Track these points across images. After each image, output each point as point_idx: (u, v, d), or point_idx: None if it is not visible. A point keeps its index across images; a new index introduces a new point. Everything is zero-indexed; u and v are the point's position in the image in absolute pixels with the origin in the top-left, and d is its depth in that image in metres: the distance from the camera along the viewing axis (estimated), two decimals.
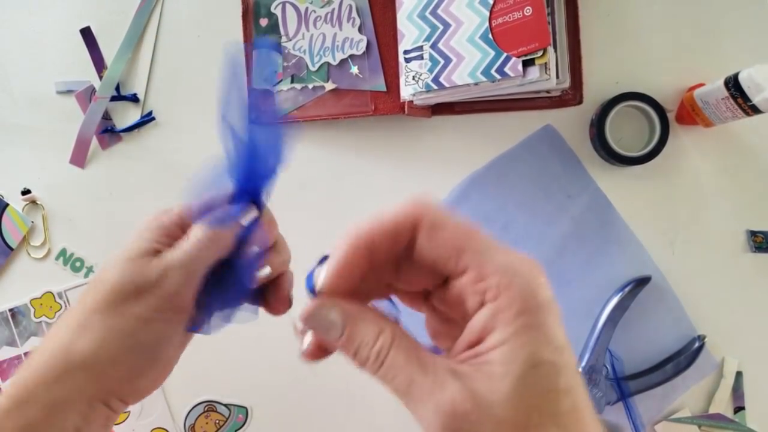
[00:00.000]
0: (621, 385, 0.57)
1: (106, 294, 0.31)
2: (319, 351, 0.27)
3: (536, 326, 0.22)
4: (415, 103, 0.58)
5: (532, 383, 0.22)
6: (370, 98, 0.61)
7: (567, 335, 0.23)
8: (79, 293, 0.36)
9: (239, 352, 0.62)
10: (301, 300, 0.27)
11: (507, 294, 0.22)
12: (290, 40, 0.62)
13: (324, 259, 0.25)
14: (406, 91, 0.57)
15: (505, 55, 0.51)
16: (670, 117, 0.58)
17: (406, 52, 0.57)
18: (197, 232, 0.34)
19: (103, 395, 0.32)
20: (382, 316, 0.25)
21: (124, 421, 0.62)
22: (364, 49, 0.61)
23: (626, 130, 0.59)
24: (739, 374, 0.58)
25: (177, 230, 0.36)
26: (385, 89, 0.60)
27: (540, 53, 0.50)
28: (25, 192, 0.64)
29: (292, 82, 0.62)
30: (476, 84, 0.53)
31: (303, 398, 0.61)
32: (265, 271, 0.36)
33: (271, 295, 0.37)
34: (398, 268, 0.26)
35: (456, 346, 0.24)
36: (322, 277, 0.25)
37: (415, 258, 0.25)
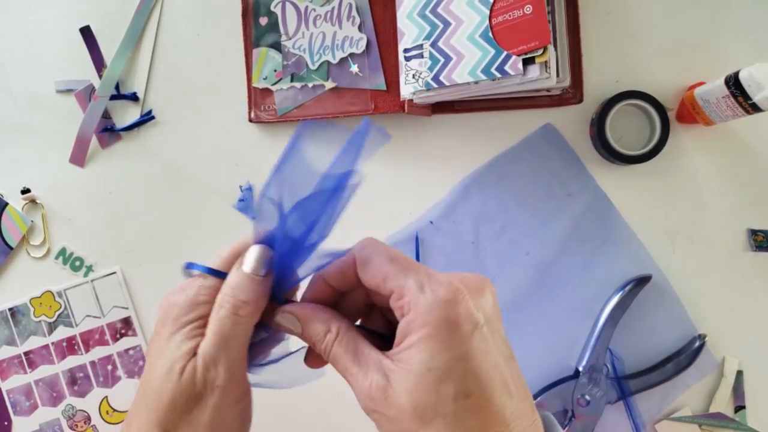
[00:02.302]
0: (621, 384, 0.57)
1: (164, 412, 0.30)
2: (315, 358, 0.34)
3: (434, 337, 0.27)
4: (415, 101, 0.58)
5: (427, 382, 0.27)
6: (370, 97, 0.60)
7: (508, 340, 0.30)
8: (134, 397, 0.33)
9: None
10: None
11: (415, 309, 0.28)
12: (290, 38, 0.62)
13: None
14: (406, 90, 0.56)
15: (505, 53, 0.51)
16: (670, 116, 0.58)
17: (406, 50, 0.57)
18: (227, 307, 0.32)
19: None
20: (334, 317, 0.32)
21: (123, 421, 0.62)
22: (364, 47, 0.61)
23: (627, 129, 0.59)
24: (739, 373, 0.58)
25: (209, 305, 0.33)
26: (385, 88, 0.60)
27: (540, 52, 0.50)
28: (25, 191, 0.64)
29: (291, 80, 0.62)
30: (476, 82, 0.53)
31: (303, 398, 0.61)
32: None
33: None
34: (367, 292, 0.33)
35: (393, 345, 0.30)
36: (300, 297, 0.33)
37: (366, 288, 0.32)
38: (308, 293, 0.34)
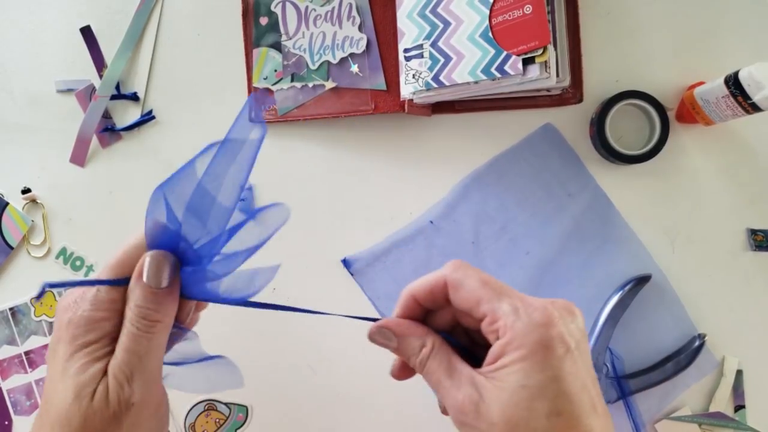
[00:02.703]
0: (621, 383, 0.57)
1: None
2: (403, 371, 0.35)
3: (528, 358, 0.28)
4: (415, 101, 0.58)
5: (520, 398, 0.28)
6: (371, 97, 0.61)
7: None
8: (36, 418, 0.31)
9: (239, 352, 0.62)
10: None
11: (510, 332, 0.29)
12: (290, 38, 0.62)
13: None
14: (407, 90, 0.57)
15: (505, 53, 0.51)
16: (670, 115, 0.58)
17: (406, 50, 0.57)
18: (138, 320, 0.31)
19: None
20: (429, 332, 0.33)
21: None
22: (364, 47, 0.61)
23: (626, 129, 0.59)
24: (739, 373, 0.58)
25: (110, 321, 0.31)
26: (385, 88, 0.60)
27: (540, 51, 0.50)
28: (25, 191, 0.64)
29: (292, 80, 0.62)
30: (476, 82, 0.53)
31: (303, 398, 0.61)
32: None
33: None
34: (454, 312, 0.34)
35: (484, 364, 0.31)
36: (393, 313, 0.35)
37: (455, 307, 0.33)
38: (400, 310, 0.35)
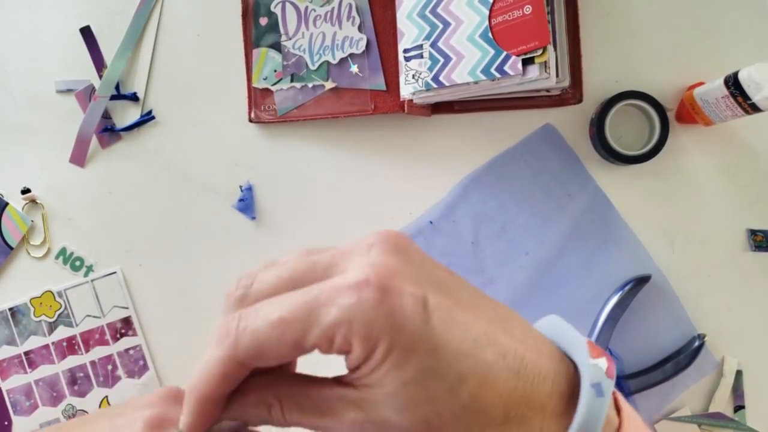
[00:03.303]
0: (621, 383, 0.57)
1: None
2: None
3: (389, 348, 0.22)
4: (414, 101, 0.58)
5: (412, 395, 0.22)
6: (370, 97, 0.61)
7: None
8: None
9: None
10: None
11: (355, 338, 0.22)
12: (290, 39, 0.62)
13: None
14: (406, 90, 0.57)
15: (504, 53, 0.51)
16: (669, 116, 0.58)
17: (405, 50, 0.57)
18: None
19: None
20: (262, 386, 0.25)
21: None
22: (363, 47, 0.61)
23: (626, 129, 0.59)
24: (739, 373, 0.58)
25: None
26: (384, 88, 0.60)
27: (540, 52, 0.50)
28: (25, 191, 0.64)
29: (291, 80, 0.62)
30: (476, 82, 0.53)
31: None
32: None
33: None
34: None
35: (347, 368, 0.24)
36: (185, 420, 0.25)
37: None
38: (198, 421, 0.25)
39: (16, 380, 0.63)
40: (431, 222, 0.61)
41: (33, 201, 0.64)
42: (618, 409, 0.24)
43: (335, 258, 0.24)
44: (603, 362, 0.23)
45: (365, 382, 0.23)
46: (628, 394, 0.57)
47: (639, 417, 0.25)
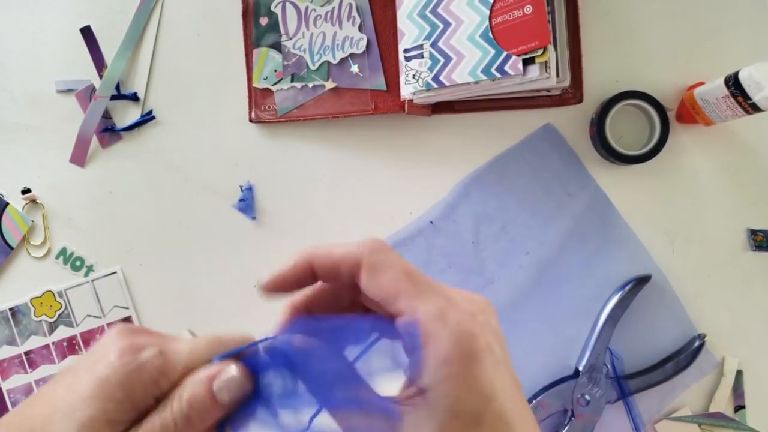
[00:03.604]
0: (621, 383, 0.57)
1: None
2: (281, 285, 0.29)
3: (460, 376, 0.24)
4: (415, 101, 0.58)
5: (456, 428, 0.24)
6: (371, 97, 0.61)
7: (517, 376, 0.27)
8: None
9: None
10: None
11: (434, 343, 0.24)
12: (290, 38, 0.62)
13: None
14: (407, 90, 0.57)
15: (505, 53, 0.51)
16: (670, 116, 0.58)
17: (406, 50, 0.57)
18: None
19: None
20: None
21: None
22: (364, 47, 0.61)
23: (626, 129, 0.59)
24: (739, 373, 0.58)
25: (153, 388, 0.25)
26: (385, 88, 0.60)
27: (540, 52, 0.50)
28: (25, 191, 0.64)
29: (292, 80, 0.62)
30: (476, 82, 0.53)
31: None
32: None
33: None
34: (358, 293, 0.29)
35: (403, 384, 0.26)
36: (266, 276, 0.28)
37: (362, 292, 0.28)
38: (285, 270, 0.28)
39: (16, 380, 0.63)
40: (431, 222, 0.61)
41: (33, 201, 0.64)
42: None
43: (443, 288, 0.28)
44: None
45: (417, 400, 0.24)
46: (628, 394, 0.57)
47: None
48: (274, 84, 0.62)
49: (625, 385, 0.57)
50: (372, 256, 0.27)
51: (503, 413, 0.25)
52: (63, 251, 0.64)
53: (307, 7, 0.62)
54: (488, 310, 0.27)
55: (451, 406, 0.24)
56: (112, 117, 0.64)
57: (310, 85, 0.62)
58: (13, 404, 0.63)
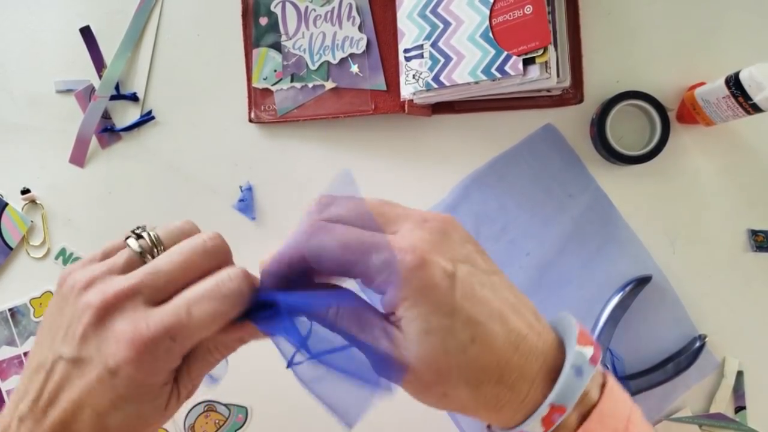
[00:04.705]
0: (622, 384, 0.57)
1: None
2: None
3: (419, 303, 0.27)
4: (415, 101, 0.57)
5: (433, 344, 0.27)
6: (371, 97, 0.60)
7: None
8: None
9: (239, 352, 0.62)
10: None
11: (390, 288, 0.28)
12: (290, 38, 0.62)
13: None
14: (407, 90, 0.56)
15: (505, 53, 0.51)
16: (670, 116, 0.58)
17: (406, 50, 0.57)
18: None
19: None
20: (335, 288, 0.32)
21: None
22: (364, 47, 0.61)
23: (627, 129, 0.59)
24: (740, 374, 0.58)
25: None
26: (385, 88, 0.60)
27: (540, 52, 0.50)
28: (25, 191, 0.64)
29: (292, 80, 0.62)
30: (477, 83, 0.53)
31: (303, 398, 0.61)
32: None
33: None
34: None
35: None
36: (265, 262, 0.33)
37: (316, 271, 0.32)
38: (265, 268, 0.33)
39: (16, 381, 0.63)
40: None
41: (33, 201, 0.64)
42: (603, 391, 0.29)
43: (399, 218, 0.31)
44: (588, 350, 0.29)
45: (399, 325, 0.28)
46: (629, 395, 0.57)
47: (627, 401, 0.31)
48: (274, 84, 0.62)
49: (626, 385, 0.57)
50: (309, 246, 0.30)
51: (472, 317, 0.28)
52: (62, 251, 0.64)
53: (307, 7, 0.62)
54: (440, 232, 0.29)
55: (421, 328, 0.27)
56: (112, 117, 0.64)
57: (310, 85, 0.62)
58: None
